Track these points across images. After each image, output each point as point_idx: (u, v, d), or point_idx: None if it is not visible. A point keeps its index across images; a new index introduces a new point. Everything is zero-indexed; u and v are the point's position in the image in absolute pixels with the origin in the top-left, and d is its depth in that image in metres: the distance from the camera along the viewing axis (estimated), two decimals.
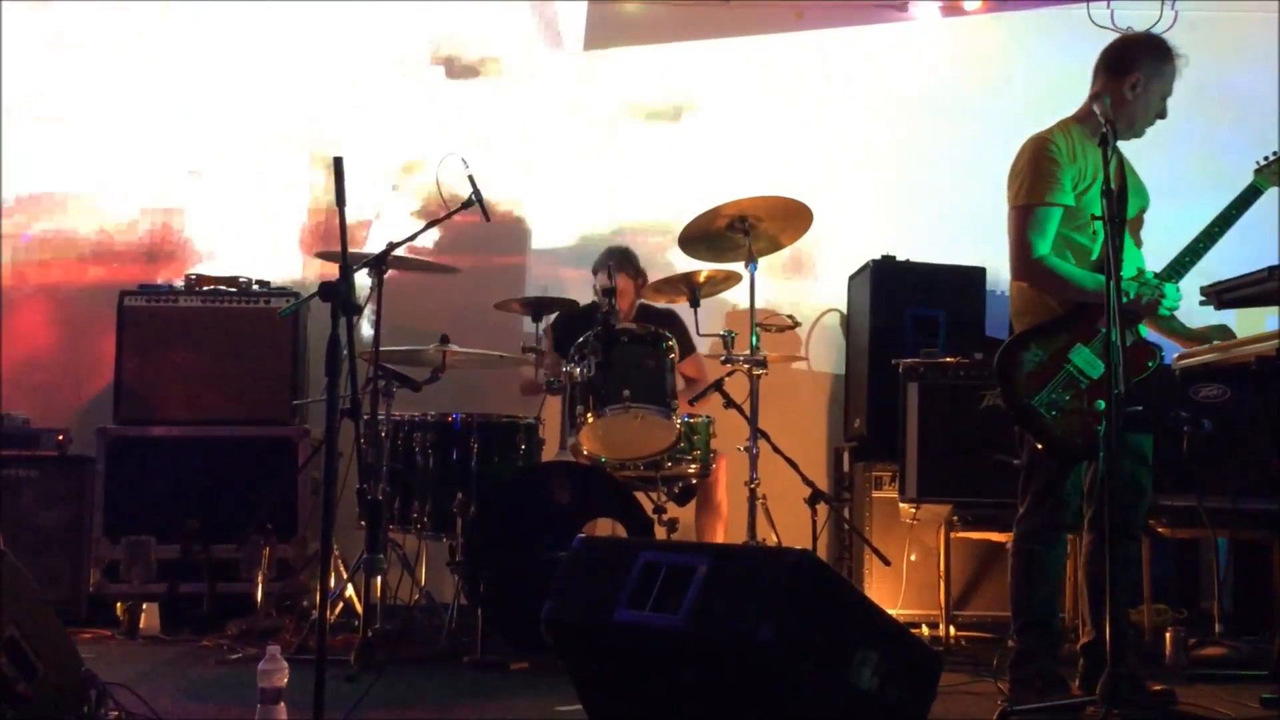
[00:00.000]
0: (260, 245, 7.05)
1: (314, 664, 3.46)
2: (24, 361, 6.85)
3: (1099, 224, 4.03)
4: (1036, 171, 4.31)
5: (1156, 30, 6.78)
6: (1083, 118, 4.44)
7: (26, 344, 6.90)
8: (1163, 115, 4.47)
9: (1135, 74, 4.39)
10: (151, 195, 7.12)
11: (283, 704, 3.66)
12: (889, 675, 3.35)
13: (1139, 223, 4.59)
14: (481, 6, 7.29)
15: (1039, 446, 4.26)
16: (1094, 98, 4.35)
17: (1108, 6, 7.00)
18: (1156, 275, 4.33)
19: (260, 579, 5.81)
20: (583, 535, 3.97)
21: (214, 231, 7.12)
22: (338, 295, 3.41)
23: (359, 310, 3.50)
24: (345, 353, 3.42)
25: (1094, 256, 4.33)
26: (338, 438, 3.37)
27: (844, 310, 7.14)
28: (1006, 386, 4.23)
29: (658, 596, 3.46)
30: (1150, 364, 4.26)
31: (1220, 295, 5.27)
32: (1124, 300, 4.07)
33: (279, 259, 7.03)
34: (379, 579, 5.29)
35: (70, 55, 7.08)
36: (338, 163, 3.52)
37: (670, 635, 3.39)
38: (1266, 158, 4.42)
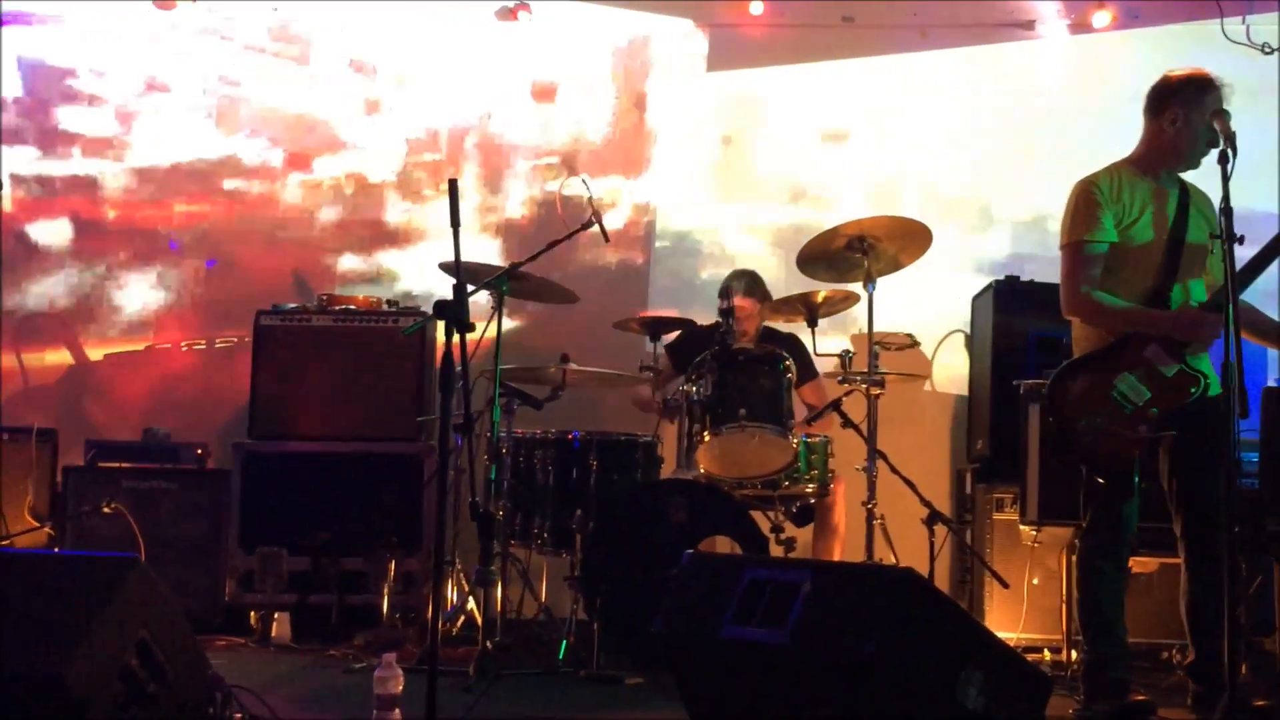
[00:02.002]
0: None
1: (438, 674, 3.56)
2: (168, 377, 7.13)
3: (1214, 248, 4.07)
4: (1078, 212, 4.56)
5: None
6: (1135, 159, 4.65)
7: (170, 361, 7.18)
8: (1215, 144, 4.38)
9: (1172, 109, 4.52)
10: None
11: (398, 710, 3.77)
12: (996, 695, 3.34)
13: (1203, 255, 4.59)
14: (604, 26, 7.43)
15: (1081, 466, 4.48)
16: (1150, 135, 4.58)
17: (1243, 22, 6.85)
18: (1200, 307, 4.46)
19: (386, 591, 5.97)
20: (691, 551, 4.02)
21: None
22: (450, 313, 3.51)
23: (471, 328, 3.59)
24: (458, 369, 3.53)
25: (1143, 288, 4.48)
26: (449, 451, 3.46)
27: (968, 331, 7.08)
28: (1055, 411, 4.47)
29: (763, 612, 3.50)
30: (1193, 390, 4.40)
31: None
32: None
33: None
34: (499, 594, 5.42)
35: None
36: (452, 185, 3.63)
37: (775, 650, 3.43)
38: None
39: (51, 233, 7.23)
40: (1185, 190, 4.61)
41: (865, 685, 3.23)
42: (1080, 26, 7.27)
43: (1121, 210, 4.49)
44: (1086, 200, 4.52)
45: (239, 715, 3.81)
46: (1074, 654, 5.58)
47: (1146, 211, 4.51)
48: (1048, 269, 6.65)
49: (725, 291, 6.02)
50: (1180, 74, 4.61)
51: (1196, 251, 4.54)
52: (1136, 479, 4.44)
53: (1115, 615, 4.54)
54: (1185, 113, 4.49)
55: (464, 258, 3.84)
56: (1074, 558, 5.60)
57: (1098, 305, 4.49)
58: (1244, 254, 4.52)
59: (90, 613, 3.39)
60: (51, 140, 7.25)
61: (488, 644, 4.99)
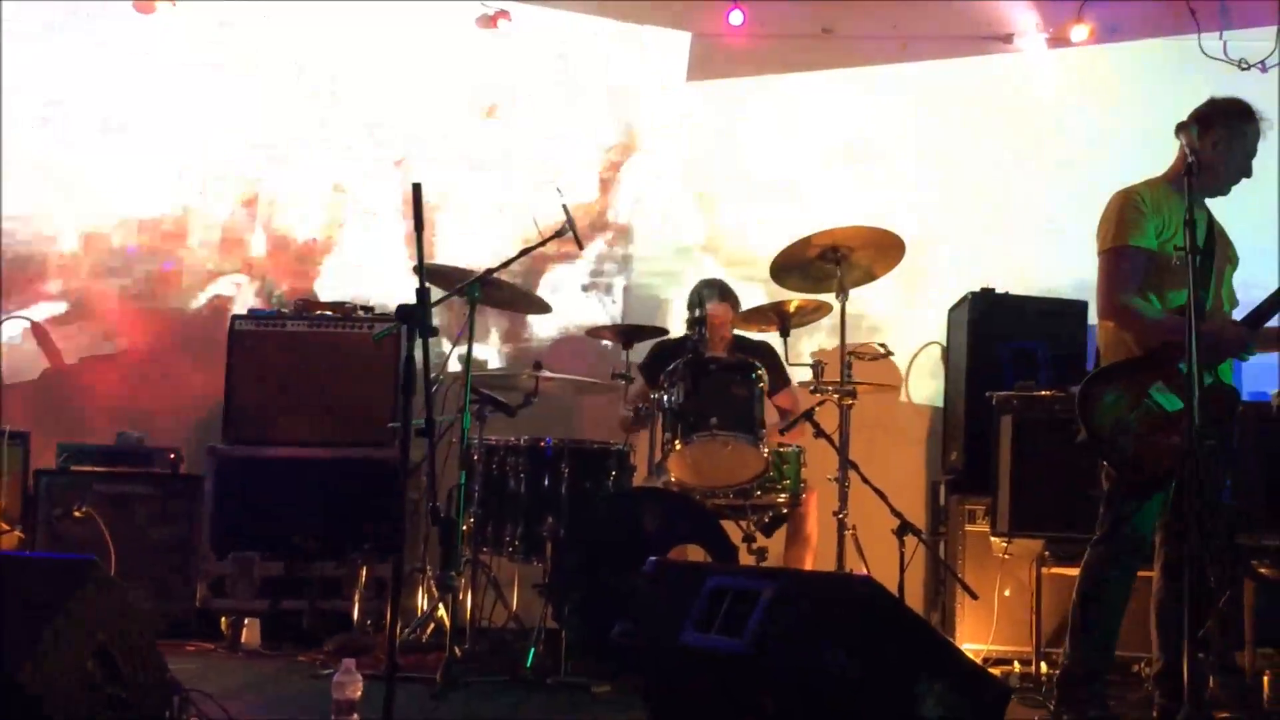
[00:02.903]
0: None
1: (404, 681, 3.57)
2: (142, 381, 7.10)
3: (1180, 259, 4.10)
4: (1121, 219, 4.52)
5: (1270, 63, 6.78)
6: (1171, 177, 4.61)
7: (145, 364, 7.15)
8: (1247, 174, 4.57)
9: (1215, 132, 4.50)
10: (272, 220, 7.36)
11: (355, 715, 3.76)
12: (953, 706, 3.33)
13: (1221, 279, 4.64)
14: (584, 36, 7.44)
15: (1114, 472, 4.43)
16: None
17: (1220, 37, 6.88)
18: (1240, 322, 4.46)
19: (358, 597, 5.96)
20: (655, 558, 4.01)
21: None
22: (413, 317, 3.52)
23: (434, 332, 3.60)
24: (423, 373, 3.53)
25: (1178, 303, 4.42)
26: (409, 455, 3.46)
27: (944, 343, 7.09)
28: (1086, 414, 4.39)
29: (723, 620, 3.49)
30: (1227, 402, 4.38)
31: None
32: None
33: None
34: (469, 601, 5.41)
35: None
36: (416, 189, 3.63)
37: (734, 659, 3.42)
38: None
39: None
40: (1210, 215, 4.64)
41: (823, 694, 3.22)
42: (1059, 40, 7.29)
43: (1161, 223, 4.48)
44: (1129, 208, 4.51)
45: (195, 719, 3.79)
46: (1044, 666, 5.59)
47: (1183, 227, 4.46)
48: (1022, 280, 6.74)
49: (696, 300, 6.03)
50: (1226, 100, 4.63)
51: (1220, 273, 4.61)
52: (1172, 485, 4.33)
53: (1113, 629, 4.51)
54: (1228, 138, 4.51)
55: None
56: (1044, 569, 5.64)
57: (1136, 312, 4.46)
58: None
59: (47, 615, 3.38)
60: None
61: (455, 650, 4.97)
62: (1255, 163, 4.59)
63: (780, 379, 6.03)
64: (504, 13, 7.20)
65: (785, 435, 5.77)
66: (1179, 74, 6.93)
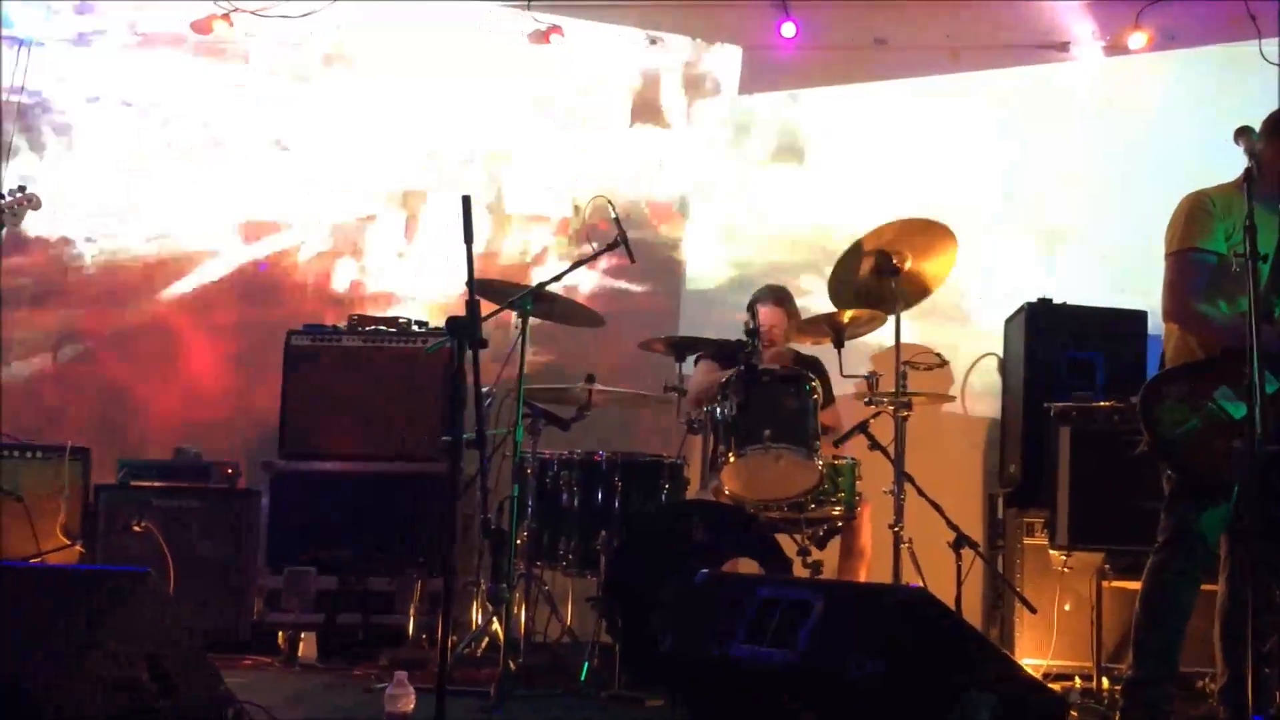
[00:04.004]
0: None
1: (458, 695, 3.57)
2: (201, 396, 7.17)
3: (1240, 265, 4.03)
4: (1190, 221, 4.43)
5: None
6: (1241, 182, 4.42)
7: (204, 380, 7.22)
8: None
9: None
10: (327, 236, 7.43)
11: None
12: (1006, 718, 3.29)
13: None
14: (632, 51, 7.45)
15: (1177, 479, 4.33)
16: (1265, 160, 4.31)
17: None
18: None
19: (412, 611, 5.97)
20: (705, 570, 3.99)
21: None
22: (464, 330, 3.52)
23: (485, 344, 3.60)
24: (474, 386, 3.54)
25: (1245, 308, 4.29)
26: (460, 469, 3.46)
27: (1000, 354, 7.01)
28: (1149, 419, 4.30)
29: (774, 631, 3.47)
30: None
31: None
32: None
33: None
34: (523, 615, 5.41)
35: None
36: (465, 201, 3.64)
37: (784, 670, 3.39)
38: None
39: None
40: None
41: (874, 706, 3.19)
42: (1115, 48, 7.21)
43: (1231, 227, 4.37)
44: (1199, 211, 4.43)
45: None
46: (1105, 681, 5.51)
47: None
48: (1080, 290, 6.66)
49: (752, 306, 6.02)
50: None
51: None
52: (1235, 491, 4.13)
53: (1175, 636, 4.41)
54: None
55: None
56: (1104, 583, 5.56)
57: (1201, 317, 4.38)
58: None
59: (98, 626, 3.41)
60: None
61: (509, 664, 4.97)
62: None
63: (827, 397, 5.96)
64: (556, 28, 7.22)
65: (840, 448, 5.72)
66: (1239, 80, 6.84)
